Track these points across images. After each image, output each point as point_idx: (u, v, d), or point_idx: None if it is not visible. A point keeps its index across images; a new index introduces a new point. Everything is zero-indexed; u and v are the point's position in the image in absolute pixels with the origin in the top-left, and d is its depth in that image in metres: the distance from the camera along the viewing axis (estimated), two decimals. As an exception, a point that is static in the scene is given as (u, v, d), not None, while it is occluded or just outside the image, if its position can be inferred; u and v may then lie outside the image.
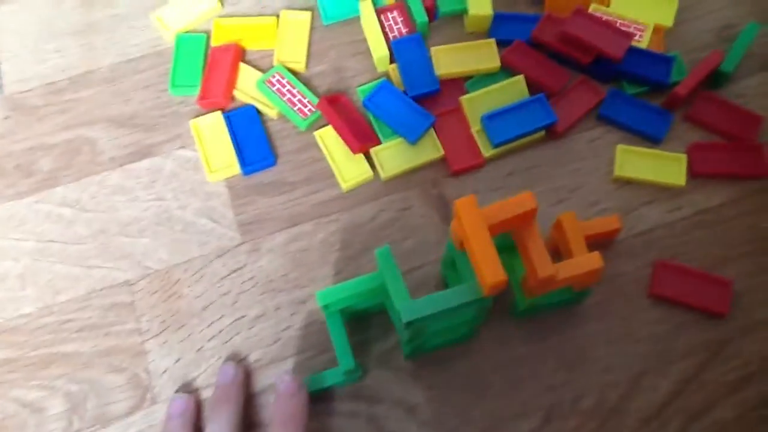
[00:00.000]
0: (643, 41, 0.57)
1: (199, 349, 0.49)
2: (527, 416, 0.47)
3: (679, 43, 0.58)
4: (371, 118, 0.55)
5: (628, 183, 0.53)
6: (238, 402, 0.46)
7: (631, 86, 0.56)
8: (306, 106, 0.55)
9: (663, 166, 0.53)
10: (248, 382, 0.48)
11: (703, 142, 0.54)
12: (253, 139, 0.54)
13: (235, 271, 0.51)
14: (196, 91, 0.56)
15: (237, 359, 0.48)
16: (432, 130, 0.54)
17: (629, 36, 0.55)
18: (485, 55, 0.56)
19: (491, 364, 0.48)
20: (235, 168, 0.53)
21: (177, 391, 0.48)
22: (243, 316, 0.50)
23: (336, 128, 0.53)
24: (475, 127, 0.54)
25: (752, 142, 0.54)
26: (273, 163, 0.54)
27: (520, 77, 0.55)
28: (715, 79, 0.56)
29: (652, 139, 0.54)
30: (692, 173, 0.53)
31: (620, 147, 0.53)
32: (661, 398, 0.48)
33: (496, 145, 0.53)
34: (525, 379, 0.48)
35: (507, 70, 0.56)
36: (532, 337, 0.49)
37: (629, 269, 0.51)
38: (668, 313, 0.50)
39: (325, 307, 0.45)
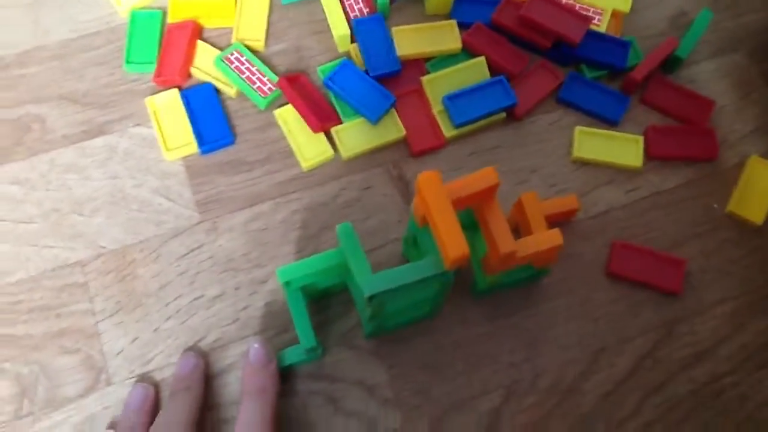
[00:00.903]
0: (601, 26, 0.58)
1: (155, 330, 0.48)
2: (488, 394, 0.47)
3: (635, 28, 0.59)
4: (332, 97, 0.54)
5: (586, 164, 0.54)
6: (198, 391, 0.45)
7: (590, 70, 0.57)
8: (265, 85, 0.54)
9: (620, 147, 0.54)
10: (207, 372, 0.47)
11: (659, 125, 0.55)
12: (211, 117, 0.53)
13: (192, 250, 0.50)
14: (152, 69, 0.54)
15: (195, 339, 0.47)
16: (393, 111, 0.54)
17: (588, 20, 0.56)
18: (446, 37, 0.56)
19: (452, 342, 0.48)
20: (193, 147, 0.52)
21: (133, 373, 0.46)
22: (201, 296, 0.49)
23: (296, 107, 0.52)
24: (437, 108, 0.54)
25: (704, 127, 0.55)
26: (232, 142, 0.53)
27: (482, 59, 0.55)
28: (670, 64, 0.57)
29: (609, 121, 0.55)
30: (648, 155, 0.54)
31: (578, 129, 0.54)
32: (618, 375, 0.48)
33: (458, 126, 0.53)
34: (485, 358, 0.48)
35: (468, 51, 0.56)
36: (492, 315, 0.49)
37: (587, 249, 0.51)
38: (625, 292, 0.50)
39: (287, 284, 0.44)
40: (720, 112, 0.57)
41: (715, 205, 0.53)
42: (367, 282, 0.38)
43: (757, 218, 0.52)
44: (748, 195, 0.53)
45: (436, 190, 0.38)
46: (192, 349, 0.47)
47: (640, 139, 0.54)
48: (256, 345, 0.45)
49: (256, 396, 0.43)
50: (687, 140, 0.55)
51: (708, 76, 0.58)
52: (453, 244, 0.37)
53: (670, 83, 0.56)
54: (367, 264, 0.40)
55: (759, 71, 0.58)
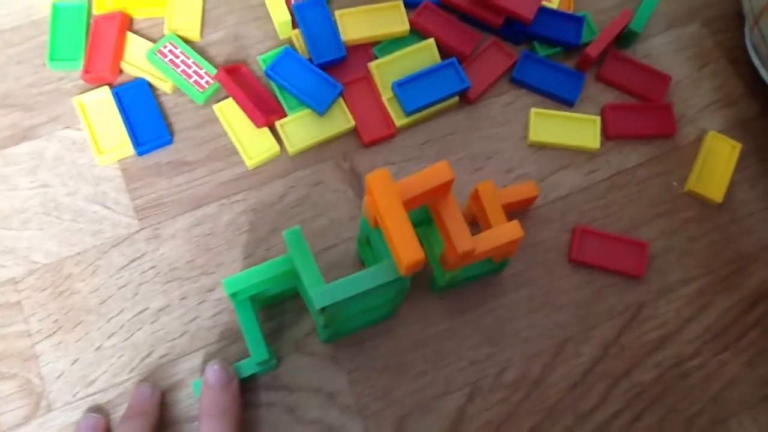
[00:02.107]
0: (553, 1, 0.55)
1: (97, 348, 0.45)
2: (452, 393, 0.46)
3: (588, 3, 0.57)
4: (275, 88, 0.51)
5: (544, 147, 0.52)
6: (153, 418, 0.42)
7: (543, 48, 0.55)
8: (203, 78, 0.51)
9: (577, 129, 0.52)
10: (162, 406, 0.44)
11: (616, 103, 0.53)
12: (146, 115, 0.50)
13: (133, 260, 0.47)
14: (79, 66, 0.51)
15: (141, 356, 0.45)
16: (341, 100, 0.51)
17: (539, -4, 0.53)
18: (393, 19, 0.53)
19: (413, 342, 0.47)
20: (128, 148, 0.49)
21: (75, 396, 0.44)
22: (145, 309, 0.46)
23: (237, 101, 0.49)
24: (386, 95, 0.51)
25: (661, 102, 0.54)
26: (169, 142, 0.50)
27: (431, 41, 0.53)
28: (624, 38, 0.55)
29: (565, 101, 0.53)
30: (606, 135, 0.53)
31: (534, 111, 0.52)
32: (584, 364, 0.47)
33: (409, 113, 0.51)
34: (448, 355, 0.47)
35: (416, 33, 0.54)
36: (452, 311, 0.47)
37: (548, 236, 0.50)
38: (588, 278, 0.49)
39: (233, 295, 0.41)
40: (677, 86, 0.55)
41: (675, 184, 0.52)
42: (318, 293, 0.36)
43: (717, 196, 0.51)
44: (707, 173, 0.52)
45: (386, 191, 0.35)
46: (138, 365, 0.44)
47: (597, 119, 0.52)
48: (215, 366, 0.42)
49: (218, 418, 0.41)
50: (644, 118, 0.53)
51: (664, 50, 0.56)
52: (406, 249, 0.35)
53: (626, 58, 0.55)
54: (317, 272, 0.37)
55: (715, 42, 0.57)
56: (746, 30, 0.55)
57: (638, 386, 0.47)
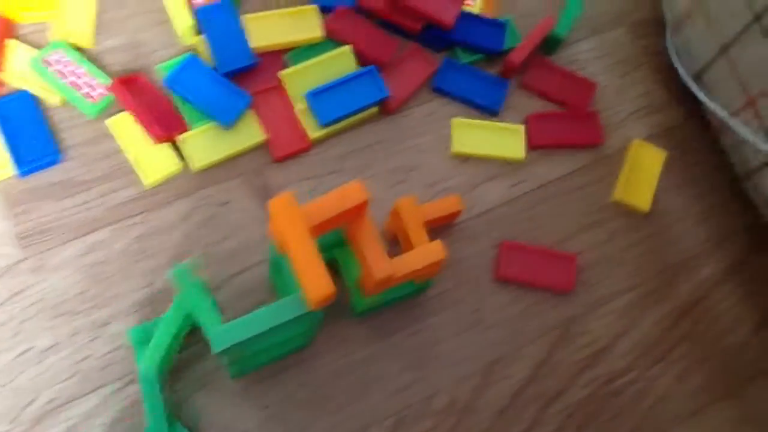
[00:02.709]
0: (474, 6, 0.53)
1: (-26, 395, 0.40)
2: (376, 425, 0.43)
3: (511, 7, 0.55)
4: (176, 100, 0.47)
5: (467, 159, 0.50)
6: None
7: (465, 54, 0.52)
8: (95, 90, 0.46)
9: (501, 139, 0.50)
10: None
11: (540, 112, 0.51)
12: (29, 131, 0.45)
13: (15, 294, 0.42)
14: (-48, 76, 0.45)
15: (24, 403, 0.40)
16: (250, 112, 0.47)
17: (460, 1, 0.51)
18: (306, 24, 0.50)
19: (331, 371, 0.43)
20: (9, 169, 0.44)
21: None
22: (29, 349, 0.41)
23: (133, 114, 0.45)
24: (300, 106, 0.48)
25: (586, 110, 0.52)
26: (58, 160, 0.45)
27: (347, 48, 0.50)
28: (549, 44, 0.53)
29: (489, 111, 0.51)
30: (531, 145, 0.51)
31: (455, 121, 0.50)
32: (514, 386, 0.45)
33: (325, 125, 0.48)
34: (370, 384, 0.43)
35: (332, 40, 0.50)
36: (374, 336, 0.44)
37: (472, 252, 0.47)
38: (516, 295, 0.47)
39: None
40: (602, 93, 0.54)
41: (602, 194, 0.51)
42: (216, 335, 0.32)
43: (644, 205, 0.50)
44: (633, 181, 0.50)
45: (291, 218, 0.32)
46: (20, 414, 0.39)
47: (521, 128, 0.50)
48: None
49: None
50: (569, 126, 0.51)
51: (589, 56, 0.55)
52: (314, 284, 0.31)
53: (550, 65, 0.53)
54: (213, 311, 0.33)
55: (641, 47, 0.56)
56: (667, 36, 0.54)
57: (570, 406, 0.45)
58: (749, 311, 0.49)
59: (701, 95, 0.50)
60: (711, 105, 0.49)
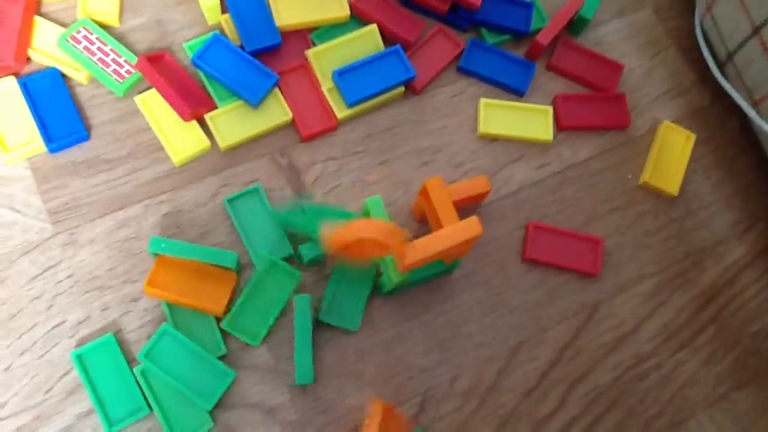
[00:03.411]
0: (501, -14, 0.52)
1: (7, 368, 0.40)
2: (403, 404, 0.43)
3: (537, -13, 0.55)
4: (203, 78, 0.47)
5: (494, 140, 0.49)
6: None
7: (491, 35, 0.52)
8: (122, 67, 0.46)
9: (529, 120, 0.49)
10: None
11: (568, 93, 0.51)
12: (58, 109, 0.45)
13: (48, 269, 0.42)
14: (-19, 53, 0.45)
15: (58, 374, 0.40)
16: (277, 91, 0.47)
17: (487, -20, 0.50)
18: (332, 3, 0.49)
19: (359, 350, 0.43)
20: (39, 145, 0.44)
21: (-21, 425, 0.39)
22: (62, 323, 0.41)
23: (161, 91, 0.45)
24: (326, 85, 0.48)
25: (613, 92, 0.52)
26: (86, 137, 0.45)
27: (373, 27, 0.49)
28: (575, 25, 0.53)
29: (515, 91, 0.51)
30: (558, 127, 0.50)
31: (483, 101, 0.49)
32: (539, 368, 0.45)
33: (351, 105, 0.47)
34: (397, 364, 0.43)
35: (357, 19, 0.50)
36: (401, 316, 0.44)
37: (499, 234, 0.47)
38: (541, 278, 0.47)
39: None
40: (629, 75, 0.53)
41: (629, 176, 0.50)
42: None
43: (672, 188, 0.49)
44: (662, 164, 0.50)
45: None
46: (55, 385, 0.40)
47: (549, 109, 0.50)
48: None
49: None
50: (597, 108, 0.51)
51: (615, 37, 0.54)
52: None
53: (577, 46, 0.52)
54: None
55: (665, 29, 0.55)
56: (696, 17, 0.53)
57: (596, 389, 0.45)
58: (777, 296, 0.49)
59: (724, 83, 0.50)
60: (734, 95, 0.49)
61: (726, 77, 0.51)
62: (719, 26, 0.50)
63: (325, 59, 0.48)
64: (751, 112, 0.47)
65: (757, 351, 0.48)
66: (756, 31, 0.46)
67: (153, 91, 0.46)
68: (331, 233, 0.37)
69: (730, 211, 0.50)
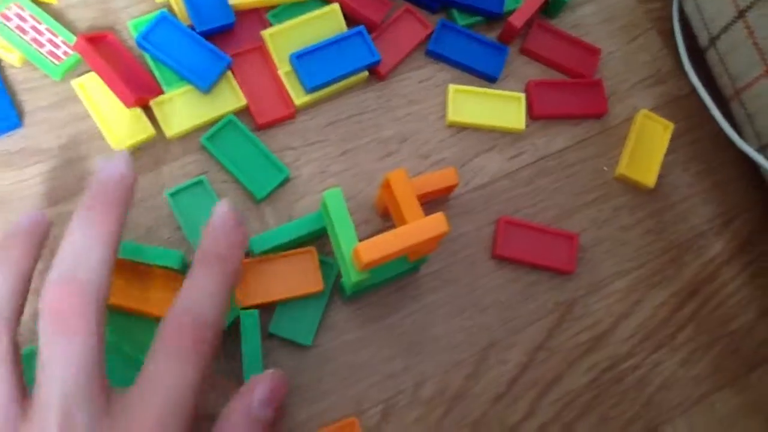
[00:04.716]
0: (472, -36, 0.49)
1: None
2: (363, 413, 0.40)
3: (511, -34, 0.51)
4: (149, 60, 0.43)
5: (464, 129, 0.46)
6: (123, 211, 0.33)
7: (463, 16, 0.49)
8: (59, 48, 0.42)
9: (500, 108, 0.46)
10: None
11: (542, 79, 0.48)
12: (-14, 93, 0.41)
13: (-27, 271, 0.38)
14: None
15: None
16: (230, 75, 0.44)
17: (457, -43, 0.47)
18: (291, -20, 0.46)
19: (318, 356, 0.40)
20: (-35, 133, 0.40)
21: None
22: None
23: (102, 75, 0.41)
24: (284, 69, 0.44)
25: (590, 78, 0.49)
26: (18, 125, 0.41)
27: (335, 6, 0.46)
28: (551, 7, 0.50)
29: (487, 77, 0.48)
30: (531, 115, 0.47)
31: (452, 88, 0.46)
32: (510, 372, 0.42)
33: (311, 90, 0.44)
34: (358, 370, 0.41)
35: (318, -3, 0.47)
36: (363, 319, 0.41)
37: (469, 228, 0.44)
38: (513, 275, 0.44)
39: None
40: (607, 60, 0.50)
41: (605, 168, 0.48)
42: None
43: (649, 181, 0.47)
44: (639, 155, 0.47)
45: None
46: None
47: (522, 97, 0.47)
48: (224, 208, 0.34)
49: (213, 261, 0.33)
50: (572, 95, 0.48)
51: (592, 20, 0.51)
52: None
53: (553, 29, 0.49)
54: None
55: (645, 11, 0.52)
56: (674, 1, 0.51)
57: (569, 394, 0.43)
58: (757, 293, 0.47)
59: (696, 80, 0.48)
60: (703, 93, 0.47)
61: (708, 63, 0.48)
62: (701, 9, 0.47)
63: (283, 41, 0.45)
64: (716, 112, 0.46)
65: (737, 350, 0.46)
66: (741, 14, 0.44)
67: (93, 74, 0.42)
68: (368, 253, 0.34)
69: (708, 205, 0.48)
